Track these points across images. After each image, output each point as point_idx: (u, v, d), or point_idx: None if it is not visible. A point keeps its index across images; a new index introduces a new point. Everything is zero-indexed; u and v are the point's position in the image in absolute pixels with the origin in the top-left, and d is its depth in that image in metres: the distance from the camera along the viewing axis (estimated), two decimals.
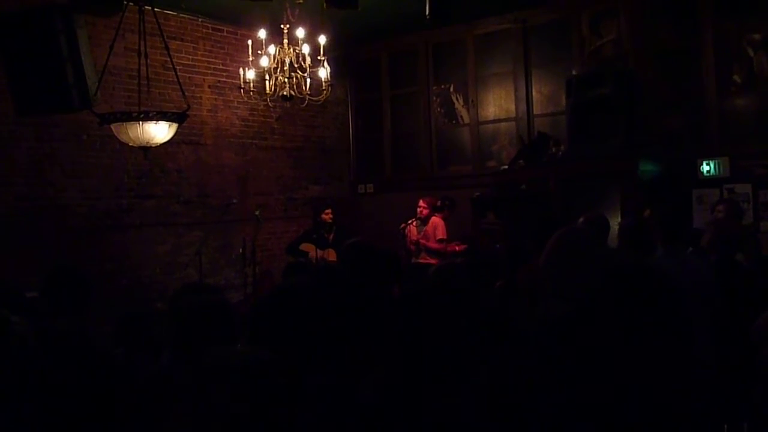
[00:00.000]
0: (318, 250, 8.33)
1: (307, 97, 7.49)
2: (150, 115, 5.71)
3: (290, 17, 7.35)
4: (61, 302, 3.73)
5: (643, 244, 4.31)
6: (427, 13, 6.42)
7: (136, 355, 3.37)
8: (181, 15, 8.73)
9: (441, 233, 8.67)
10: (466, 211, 9.13)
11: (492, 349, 2.60)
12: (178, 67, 6.66)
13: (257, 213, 8.61)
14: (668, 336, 2.55)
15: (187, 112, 6.05)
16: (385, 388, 2.22)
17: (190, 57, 8.88)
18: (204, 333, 2.65)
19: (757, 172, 7.69)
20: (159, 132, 5.76)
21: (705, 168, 7.94)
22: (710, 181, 7.92)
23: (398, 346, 2.29)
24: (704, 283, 3.99)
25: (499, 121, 9.98)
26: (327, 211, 8.69)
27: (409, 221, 8.91)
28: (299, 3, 7.22)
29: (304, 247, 8.59)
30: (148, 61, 6.30)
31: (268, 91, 7.46)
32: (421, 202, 8.92)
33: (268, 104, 8.11)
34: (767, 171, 7.64)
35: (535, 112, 9.61)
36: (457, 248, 8.59)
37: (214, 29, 9.22)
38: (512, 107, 9.81)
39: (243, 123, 9.60)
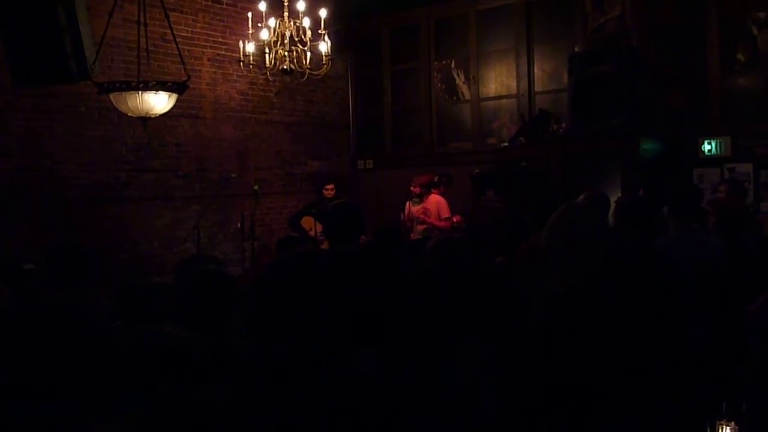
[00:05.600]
0: (317, 224, 8.33)
1: (307, 71, 7.43)
2: (149, 85, 5.66)
3: None
4: (61, 276, 3.72)
5: (639, 222, 4.30)
6: None
7: (133, 329, 3.36)
8: None
9: (445, 211, 8.65)
10: (465, 188, 9.11)
11: (493, 323, 2.60)
12: (177, 40, 6.59)
13: (256, 188, 8.59)
14: (663, 314, 2.54)
15: (188, 83, 6.00)
16: (385, 360, 2.21)
17: (189, 29, 8.79)
18: (207, 302, 2.64)
19: (759, 151, 7.66)
20: (158, 102, 5.72)
21: (706, 147, 7.90)
22: (711, 160, 7.89)
23: (399, 319, 2.28)
24: (713, 261, 3.98)
25: (500, 97, 9.92)
26: (329, 186, 8.70)
27: (405, 207, 8.93)
28: None
29: (304, 221, 8.61)
30: (147, 32, 6.24)
31: (267, 65, 7.40)
32: (414, 181, 8.91)
33: (267, 78, 8.05)
34: None
35: (536, 89, 9.55)
36: (455, 220, 8.57)
37: (213, 1, 9.12)
38: (513, 84, 9.75)
39: (242, 97, 9.54)
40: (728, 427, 2.48)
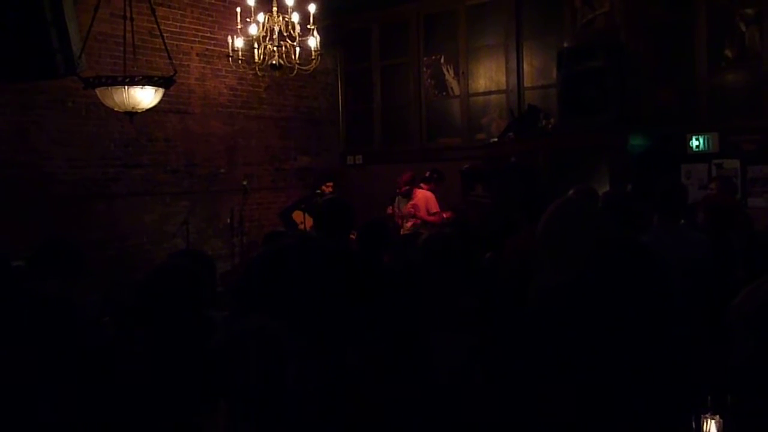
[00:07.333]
0: (306, 218, 8.32)
1: (296, 66, 7.42)
2: (136, 79, 5.63)
3: None
4: (50, 271, 3.70)
5: (624, 217, 4.32)
6: None
7: (120, 324, 3.35)
8: None
9: (434, 206, 8.66)
10: (454, 184, 9.11)
11: (481, 317, 2.60)
12: (165, 35, 6.57)
13: (245, 183, 8.58)
14: (653, 311, 2.55)
15: (174, 78, 5.97)
16: (372, 353, 2.22)
17: (178, 24, 8.75)
18: (165, 298, 2.60)
19: (746, 147, 7.70)
20: (145, 97, 5.70)
21: (694, 143, 7.94)
22: (699, 156, 7.92)
23: (388, 313, 2.28)
24: (698, 258, 3.99)
25: (490, 93, 9.93)
26: (329, 184, 8.70)
27: (394, 201, 8.93)
28: None
29: (295, 215, 8.60)
30: (134, 27, 6.21)
31: (256, 60, 7.39)
32: (398, 182, 8.91)
33: (256, 73, 8.03)
34: (756, 146, 7.64)
35: (525, 85, 9.56)
36: (445, 216, 8.58)
37: None
38: (503, 79, 9.76)
39: (231, 92, 9.50)
40: (713, 421, 2.49)
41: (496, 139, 9.19)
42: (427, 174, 8.87)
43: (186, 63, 8.76)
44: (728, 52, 7.94)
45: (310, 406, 2.25)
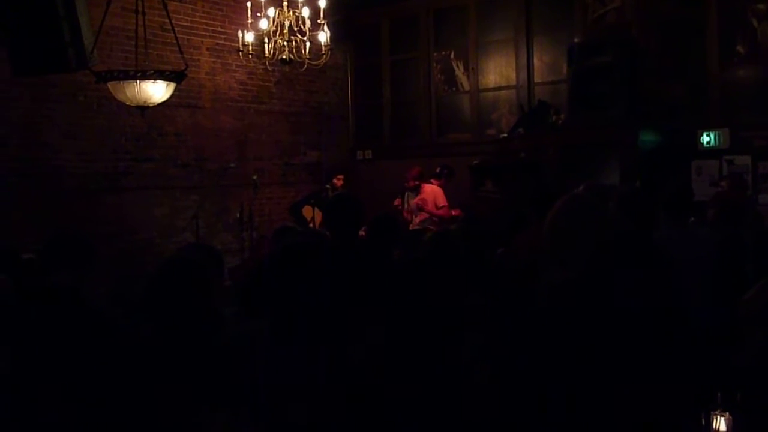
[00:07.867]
0: (315, 213, 8.34)
1: (307, 61, 7.43)
2: (148, 74, 5.65)
3: None
4: (62, 263, 3.72)
5: (640, 213, 4.30)
6: None
7: (130, 317, 3.36)
8: None
9: (441, 200, 8.67)
10: (464, 179, 9.11)
11: (489, 313, 2.60)
12: (176, 29, 6.58)
13: (255, 178, 8.60)
14: (660, 308, 2.55)
15: (186, 72, 5.99)
16: (376, 349, 2.23)
17: (189, 18, 8.77)
18: (173, 292, 2.59)
19: (757, 143, 7.66)
20: (156, 91, 5.71)
21: (705, 139, 7.90)
22: (710, 152, 7.88)
23: (393, 310, 2.29)
24: (706, 256, 3.98)
25: (500, 88, 9.91)
26: (339, 176, 8.73)
27: (404, 196, 8.94)
28: None
29: (305, 210, 8.63)
30: (146, 21, 6.22)
31: (267, 55, 7.40)
32: (406, 177, 8.92)
33: (266, 68, 8.04)
34: (767, 143, 7.61)
35: (535, 80, 9.54)
36: (454, 213, 8.59)
37: None
38: (513, 75, 9.74)
39: (241, 87, 9.52)
40: (723, 418, 2.49)
41: (505, 135, 9.18)
42: (438, 170, 8.89)
43: (196, 57, 8.77)
44: (740, 48, 7.89)
45: (316, 404, 2.26)
